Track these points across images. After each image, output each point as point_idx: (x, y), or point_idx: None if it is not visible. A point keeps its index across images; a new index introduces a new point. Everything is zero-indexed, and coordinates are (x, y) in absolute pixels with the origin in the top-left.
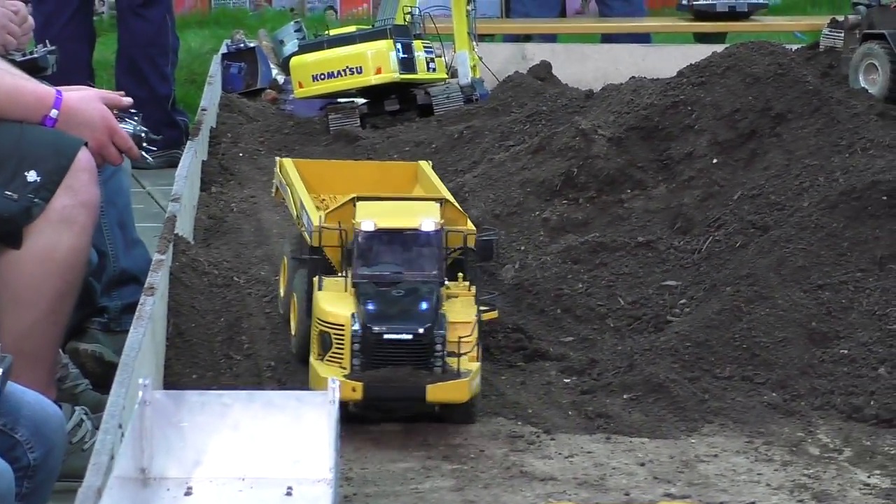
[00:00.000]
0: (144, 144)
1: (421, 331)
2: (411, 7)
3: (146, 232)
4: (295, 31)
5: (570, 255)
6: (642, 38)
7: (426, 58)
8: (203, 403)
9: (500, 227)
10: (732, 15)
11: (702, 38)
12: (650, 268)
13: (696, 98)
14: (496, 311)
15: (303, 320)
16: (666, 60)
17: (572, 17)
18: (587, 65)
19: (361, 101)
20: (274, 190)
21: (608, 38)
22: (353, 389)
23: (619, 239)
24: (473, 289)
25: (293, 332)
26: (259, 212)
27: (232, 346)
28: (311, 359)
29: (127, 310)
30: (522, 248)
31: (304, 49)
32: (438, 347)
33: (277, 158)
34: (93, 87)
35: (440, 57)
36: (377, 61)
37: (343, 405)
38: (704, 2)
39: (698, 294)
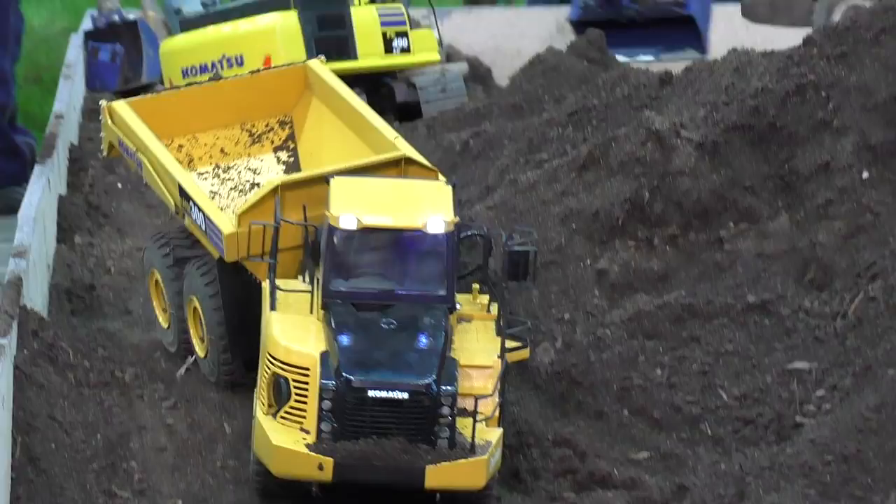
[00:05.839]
0: None
1: (421, 386)
2: None
3: None
4: None
5: (642, 326)
6: None
7: (387, 32)
8: None
9: (531, 283)
10: None
11: None
12: (768, 343)
13: (835, 78)
14: (527, 349)
15: (213, 328)
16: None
17: None
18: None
19: None
20: (106, 148)
21: None
22: (320, 467)
23: (717, 299)
24: (495, 308)
25: (203, 354)
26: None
27: (115, 478)
28: (258, 412)
29: None
30: (566, 316)
31: (185, 26)
32: (445, 410)
33: (103, 103)
34: None
35: (427, 28)
36: (266, 46)
37: (301, 485)
38: None
39: (844, 381)
